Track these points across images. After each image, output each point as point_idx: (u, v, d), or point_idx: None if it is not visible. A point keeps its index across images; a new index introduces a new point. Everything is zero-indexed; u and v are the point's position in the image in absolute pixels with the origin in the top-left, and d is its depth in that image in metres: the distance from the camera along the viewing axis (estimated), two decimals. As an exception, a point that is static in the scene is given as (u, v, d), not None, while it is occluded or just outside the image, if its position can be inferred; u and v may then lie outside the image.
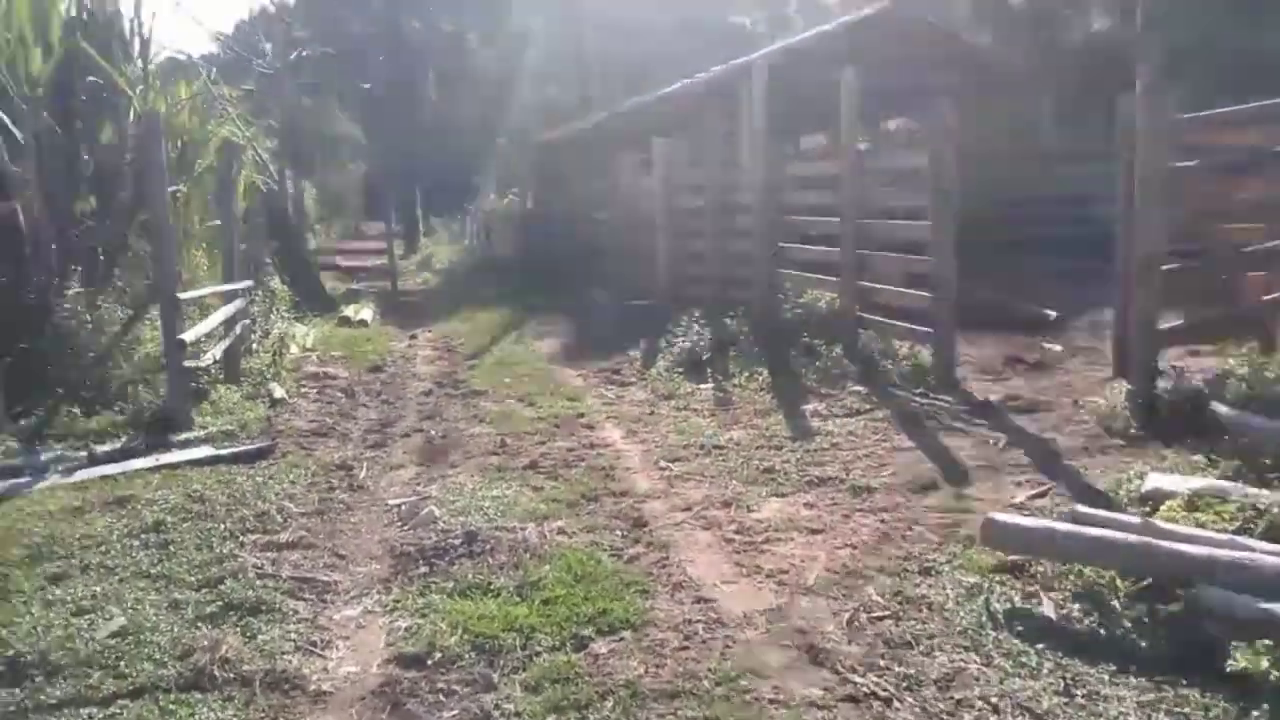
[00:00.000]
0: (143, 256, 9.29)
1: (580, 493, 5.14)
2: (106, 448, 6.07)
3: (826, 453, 5.67)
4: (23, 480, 5.29)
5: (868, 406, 6.64)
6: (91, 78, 8.94)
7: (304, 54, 24.03)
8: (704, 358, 8.95)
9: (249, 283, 8.65)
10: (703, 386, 8.16)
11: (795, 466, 5.43)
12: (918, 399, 6.85)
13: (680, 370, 8.80)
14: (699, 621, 3.48)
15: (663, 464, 5.77)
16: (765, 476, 5.30)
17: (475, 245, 27.44)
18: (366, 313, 14.48)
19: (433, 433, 6.91)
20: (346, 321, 13.54)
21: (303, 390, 8.30)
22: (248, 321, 8.78)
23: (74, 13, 9.36)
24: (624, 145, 14.69)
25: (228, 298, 8.24)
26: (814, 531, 4.42)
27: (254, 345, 9.15)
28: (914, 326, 7.69)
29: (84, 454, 5.89)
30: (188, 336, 6.51)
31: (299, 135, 49.64)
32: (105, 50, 9.00)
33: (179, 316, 6.75)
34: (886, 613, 3.58)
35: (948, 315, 7.33)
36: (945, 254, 7.23)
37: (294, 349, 10.56)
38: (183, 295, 6.70)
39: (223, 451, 5.97)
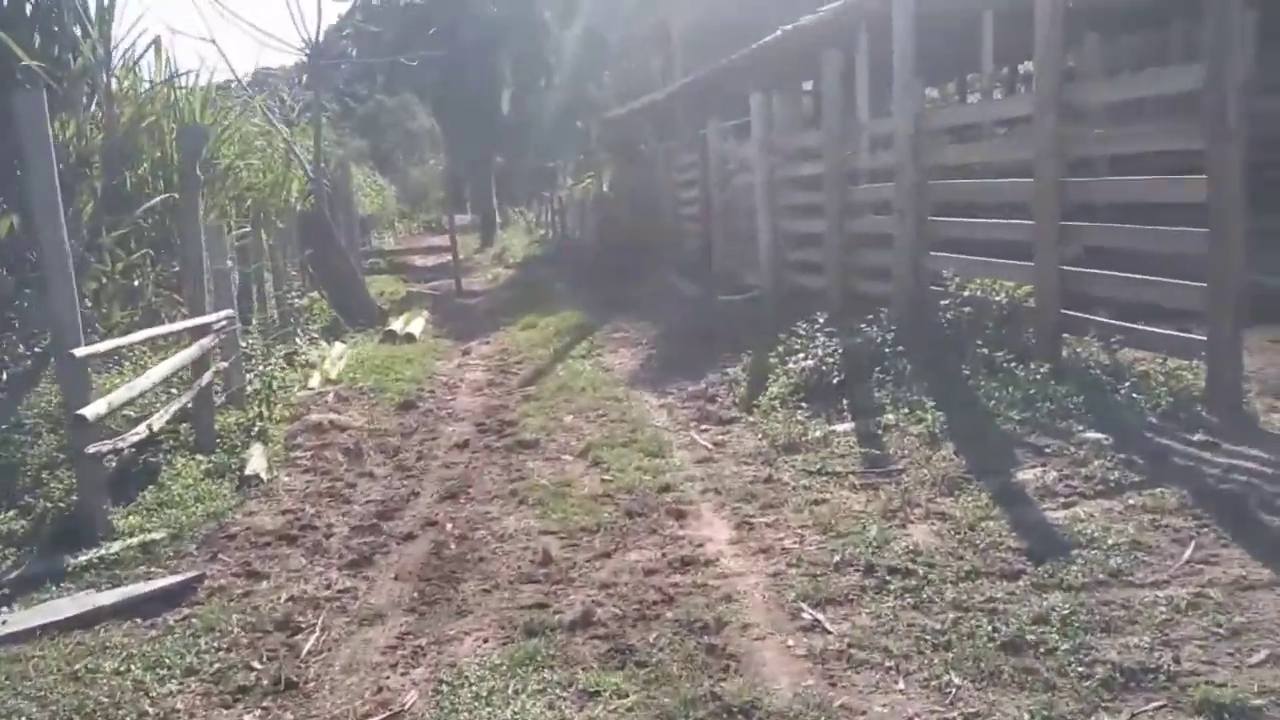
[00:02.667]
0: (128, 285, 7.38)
1: (666, 709, 2.77)
2: (-46, 591, 4.01)
3: (1108, 593, 3.15)
4: None
5: (1132, 475, 4.06)
6: (27, 62, 6.98)
7: (346, 33, 22.23)
8: (834, 380, 6.46)
9: (226, 313, 6.56)
10: (839, 428, 5.70)
11: (1062, 634, 2.93)
12: (1207, 455, 4.24)
13: (802, 400, 6.35)
14: None
15: (807, 612, 3.35)
16: (1013, 664, 2.82)
17: (550, 235, 25.41)
18: (417, 324, 12.42)
19: (448, 529, 4.66)
20: (392, 337, 11.50)
21: (294, 454, 6.16)
22: (227, 364, 6.69)
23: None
24: (713, 112, 12.19)
25: (195, 334, 6.15)
26: None
27: (248, 390, 7.07)
28: (1170, 332, 5.07)
29: (-89, 609, 3.84)
30: (89, 411, 4.40)
31: (379, 132, 48.93)
32: (38, 31, 7.05)
33: (84, 380, 4.64)
34: None
35: (1232, 314, 4.69)
36: (1230, 221, 4.58)
37: (314, 381, 8.52)
38: (82, 351, 4.57)
39: (105, 601, 3.82)
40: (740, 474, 5.20)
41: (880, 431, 5.44)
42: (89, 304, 7.60)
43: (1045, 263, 5.84)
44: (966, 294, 6.75)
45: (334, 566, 4.25)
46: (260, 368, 7.20)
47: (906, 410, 5.58)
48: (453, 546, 4.41)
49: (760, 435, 5.91)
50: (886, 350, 6.56)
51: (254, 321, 8.07)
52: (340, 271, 12.45)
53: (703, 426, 6.46)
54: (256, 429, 6.41)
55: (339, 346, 10.78)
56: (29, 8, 7.04)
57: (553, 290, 15.53)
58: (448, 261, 22.37)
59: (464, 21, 31.15)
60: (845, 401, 6.10)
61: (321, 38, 13.79)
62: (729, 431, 6.23)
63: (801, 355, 6.91)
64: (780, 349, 7.38)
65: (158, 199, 8.18)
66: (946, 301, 6.82)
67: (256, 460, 5.76)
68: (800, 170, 9.39)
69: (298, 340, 9.91)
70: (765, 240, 10.03)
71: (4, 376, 5.64)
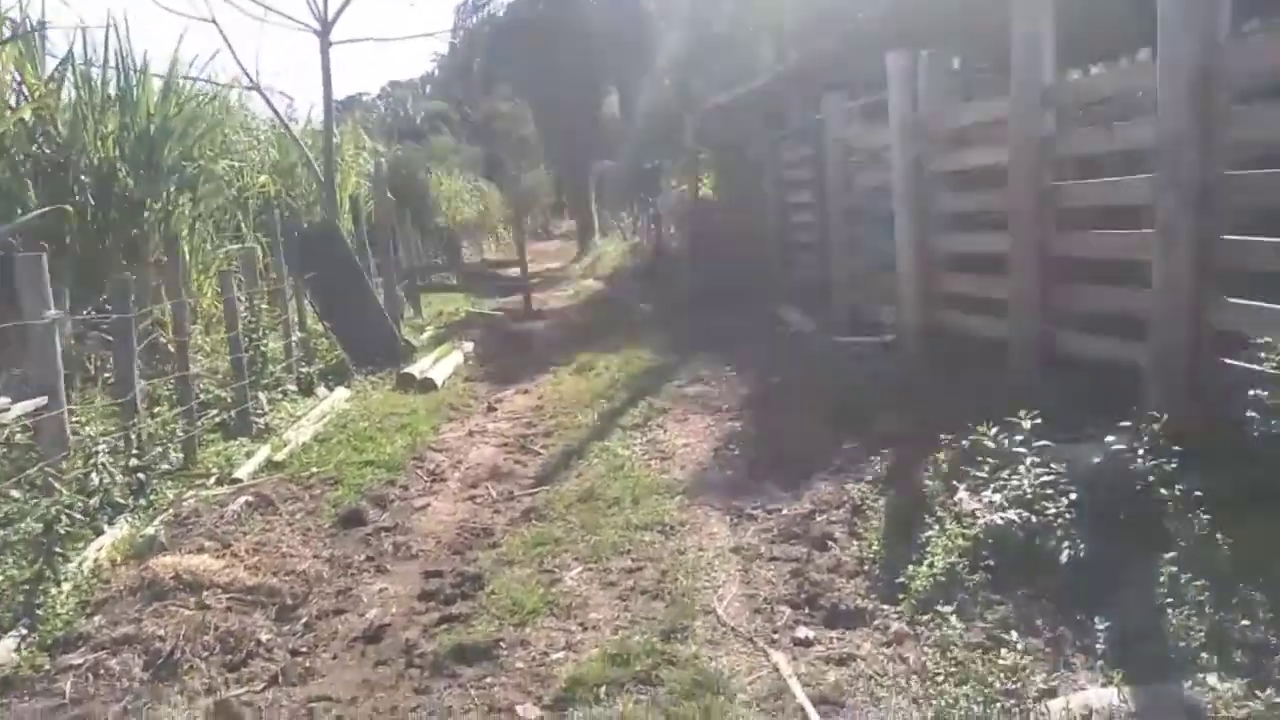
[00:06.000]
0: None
1: None
2: None
3: None
4: None
5: None
6: None
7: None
8: (1059, 550, 3.35)
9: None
10: (1093, 699, 2.61)
11: None
12: None
13: (993, 588, 3.28)
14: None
15: None
16: None
17: (644, 244, 22.63)
18: (446, 365, 9.75)
19: None
20: (408, 382, 8.86)
21: (66, 657, 3.46)
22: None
23: None
24: (836, 91, 9.06)
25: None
26: None
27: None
28: None
29: None
30: None
31: (493, 138, 47.57)
32: None
33: None
34: None
35: None
36: None
37: (249, 466, 5.93)
38: None
39: None
40: None
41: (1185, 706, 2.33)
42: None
43: None
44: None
45: None
46: (101, 474, 4.54)
47: (1246, 660, 2.45)
48: None
49: (914, 679, 2.87)
50: (1167, 493, 3.37)
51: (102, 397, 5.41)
52: (351, 301, 9.91)
53: (799, 629, 3.44)
54: (39, 600, 3.76)
55: (333, 397, 8.22)
56: None
57: (631, 315, 12.72)
58: (540, 271, 20.16)
59: (562, 18, 28.76)
60: (1099, 622, 2.97)
61: (331, 15, 11.28)
62: (851, 655, 3.20)
63: (989, 489, 3.78)
64: (943, 456, 4.30)
65: (30, 216, 5.73)
66: (1264, 394, 3.58)
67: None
68: (965, 158, 6.21)
69: (260, 397, 7.37)
70: (907, 261, 6.88)
71: None
